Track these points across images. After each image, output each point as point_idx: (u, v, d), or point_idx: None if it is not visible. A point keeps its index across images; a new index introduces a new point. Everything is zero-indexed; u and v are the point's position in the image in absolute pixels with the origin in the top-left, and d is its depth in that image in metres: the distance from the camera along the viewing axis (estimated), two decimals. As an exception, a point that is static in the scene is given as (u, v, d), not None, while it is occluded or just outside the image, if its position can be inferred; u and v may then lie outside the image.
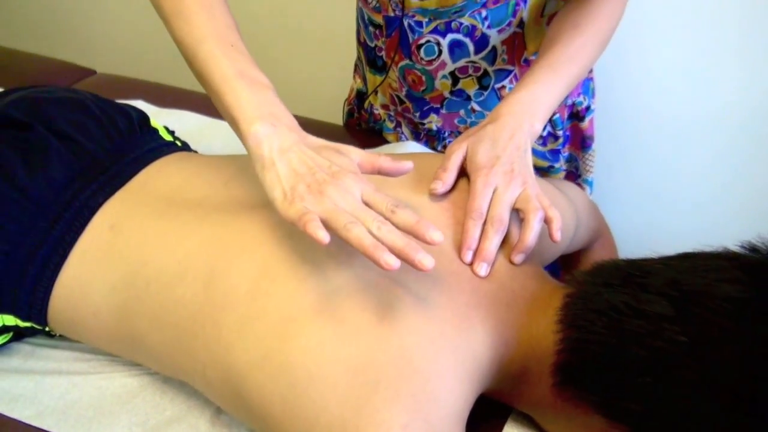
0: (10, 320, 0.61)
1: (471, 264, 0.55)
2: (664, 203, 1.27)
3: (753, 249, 0.45)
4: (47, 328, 0.63)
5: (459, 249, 0.56)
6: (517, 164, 0.58)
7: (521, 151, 0.59)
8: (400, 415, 0.43)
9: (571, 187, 0.81)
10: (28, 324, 0.62)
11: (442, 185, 0.59)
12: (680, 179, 1.24)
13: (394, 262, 0.43)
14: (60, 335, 0.66)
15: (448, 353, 0.48)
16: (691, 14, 1.08)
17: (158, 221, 0.60)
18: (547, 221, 0.57)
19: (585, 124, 0.90)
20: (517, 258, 0.57)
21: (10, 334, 0.64)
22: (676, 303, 0.43)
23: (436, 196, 0.60)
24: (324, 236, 0.44)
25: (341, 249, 0.52)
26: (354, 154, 0.54)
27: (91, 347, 0.66)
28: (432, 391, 0.45)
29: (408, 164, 0.53)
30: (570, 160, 0.95)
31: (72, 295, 0.60)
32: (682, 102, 1.17)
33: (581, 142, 0.92)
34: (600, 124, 0.96)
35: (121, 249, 0.60)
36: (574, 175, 0.96)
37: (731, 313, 0.41)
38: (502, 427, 0.56)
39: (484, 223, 0.56)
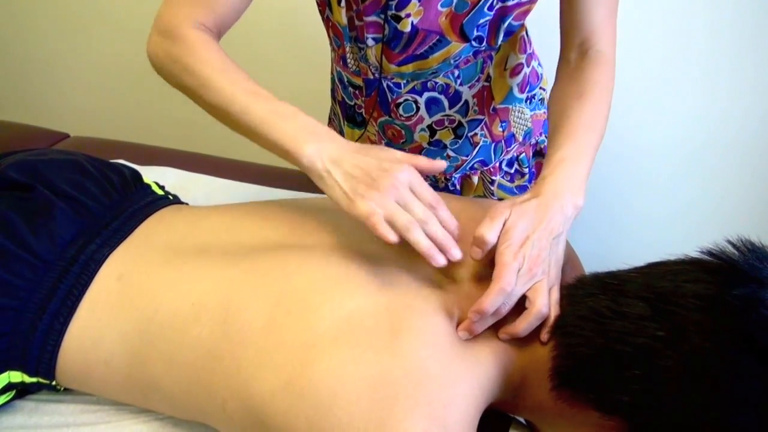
0: (16, 376, 0.62)
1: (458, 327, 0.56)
2: (624, 225, 1.38)
3: (710, 253, 0.52)
4: (54, 382, 0.64)
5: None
6: (544, 251, 0.58)
7: (553, 237, 0.59)
8: (420, 422, 0.47)
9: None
10: (34, 379, 0.63)
11: (480, 253, 0.59)
12: (639, 200, 1.36)
13: (442, 262, 0.56)
14: (65, 389, 0.67)
15: (459, 362, 0.52)
16: (644, 39, 1.20)
17: (167, 268, 0.63)
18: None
19: None
20: (503, 337, 0.57)
21: (14, 392, 0.64)
22: (651, 303, 0.49)
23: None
24: (393, 237, 0.55)
25: (349, 279, 0.57)
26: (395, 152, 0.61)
27: (97, 399, 0.67)
28: (447, 397, 0.50)
29: (441, 163, 0.61)
30: None
31: (82, 345, 0.62)
32: (638, 130, 1.29)
33: None
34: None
35: (131, 297, 0.62)
36: None
37: (700, 307, 0.47)
38: (504, 438, 0.61)
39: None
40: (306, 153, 0.59)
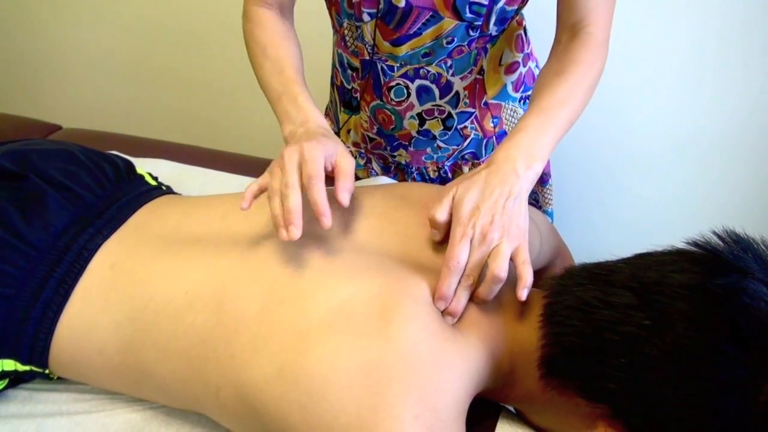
0: (9, 365, 0.62)
1: (442, 312, 0.58)
2: (612, 217, 1.40)
3: (695, 244, 0.53)
4: (47, 371, 0.64)
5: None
6: (498, 215, 0.59)
7: (510, 199, 0.60)
8: (412, 407, 0.48)
9: (533, 210, 0.88)
10: (27, 368, 0.63)
11: (439, 234, 0.62)
12: (627, 194, 1.38)
13: (281, 236, 0.56)
14: (58, 378, 0.67)
15: (450, 346, 0.53)
16: (634, 41, 1.21)
17: (160, 258, 0.64)
18: (517, 276, 0.58)
19: None
20: (476, 302, 0.59)
21: (6, 380, 0.65)
22: (638, 293, 0.50)
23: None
24: (244, 204, 0.60)
25: (341, 267, 0.58)
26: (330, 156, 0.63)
27: (90, 387, 0.68)
28: (439, 381, 0.50)
29: (346, 197, 0.60)
30: (530, 193, 1.04)
31: (75, 334, 0.62)
32: (627, 123, 1.30)
33: (540, 178, 1.01)
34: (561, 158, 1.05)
35: (124, 286, 0.63)
36: (535, 206, 1.06)
37: (685, 296, 0.48)
38: (494, 427, 0.61)
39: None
40: (285, 133, 0.71)
